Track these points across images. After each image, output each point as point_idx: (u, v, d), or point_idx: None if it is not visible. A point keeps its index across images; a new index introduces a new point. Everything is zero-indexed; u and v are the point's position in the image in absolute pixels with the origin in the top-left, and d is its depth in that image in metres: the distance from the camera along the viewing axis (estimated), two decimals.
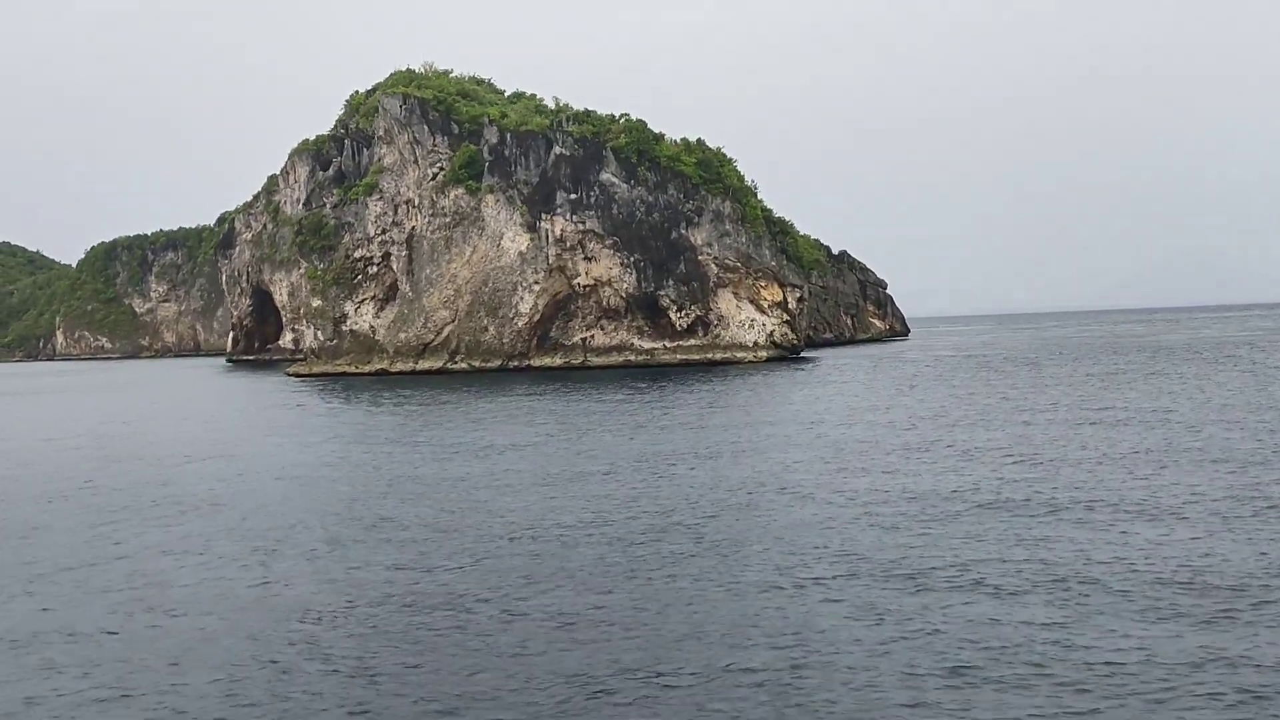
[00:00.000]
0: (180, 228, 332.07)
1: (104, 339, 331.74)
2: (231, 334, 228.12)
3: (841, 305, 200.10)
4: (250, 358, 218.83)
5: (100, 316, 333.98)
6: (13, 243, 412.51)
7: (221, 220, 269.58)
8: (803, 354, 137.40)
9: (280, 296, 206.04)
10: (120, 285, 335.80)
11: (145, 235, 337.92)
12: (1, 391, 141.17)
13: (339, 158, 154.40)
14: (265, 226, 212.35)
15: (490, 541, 29.27)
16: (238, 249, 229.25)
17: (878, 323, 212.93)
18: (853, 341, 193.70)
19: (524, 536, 29.56)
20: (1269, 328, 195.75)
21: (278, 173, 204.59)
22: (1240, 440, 43.00)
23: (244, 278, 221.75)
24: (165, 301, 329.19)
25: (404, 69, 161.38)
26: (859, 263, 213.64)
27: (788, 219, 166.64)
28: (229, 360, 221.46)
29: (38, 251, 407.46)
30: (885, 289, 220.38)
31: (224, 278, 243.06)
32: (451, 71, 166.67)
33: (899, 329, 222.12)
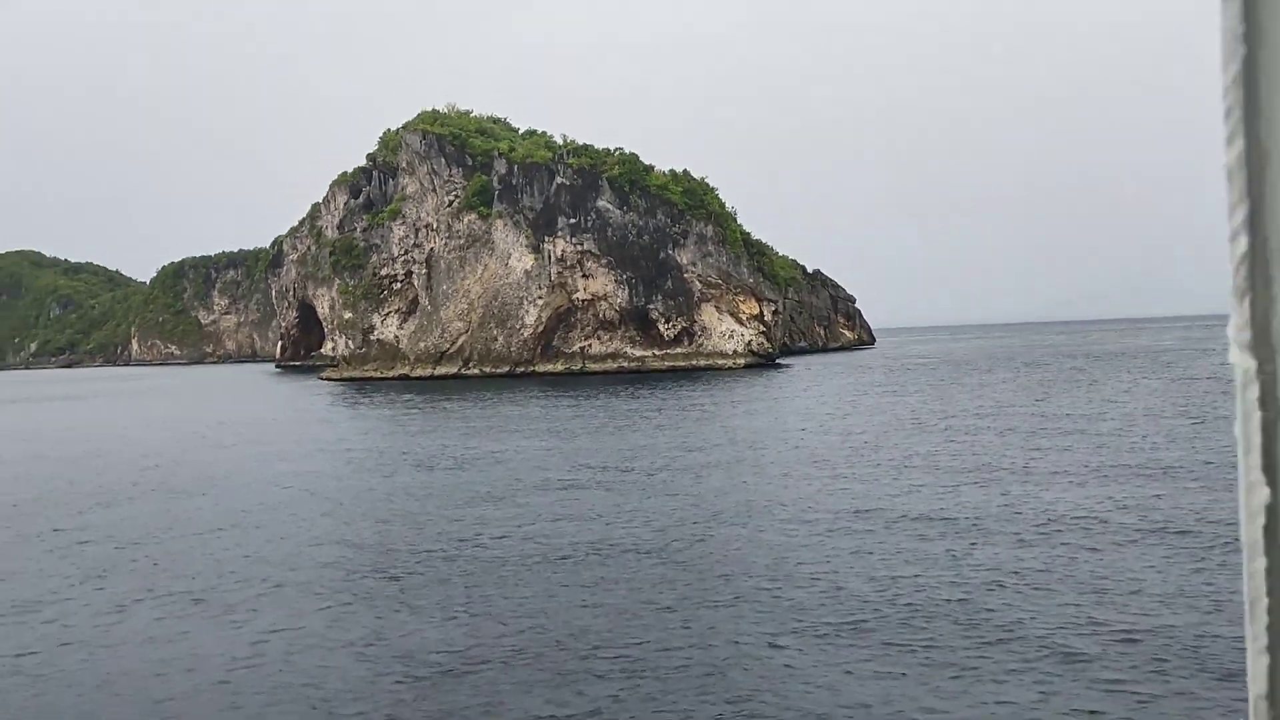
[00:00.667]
0: (240, 249, 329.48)
1: (173, 346, 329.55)
2: (280, 342, 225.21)
3: (815, 317, 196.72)
4: (296, 363, 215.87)
5: (170, 327, 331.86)
6: (95, 263, 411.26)
7: (274, 243, 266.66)
8: (778, 360, 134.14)
9: (322, 309, 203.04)
10: (187, 299, 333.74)
11: (210, 256, 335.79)
12: (81, 394, 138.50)
13: (368, 187, 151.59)
14: (309, 248, 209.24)
15: (405, 557, 25.20)
16: (285, 268, 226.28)
17: (847, 333, 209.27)
18: (825, 349, 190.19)
19: (458, 555, 25.57)
20: (1199, 337, 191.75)
21: (320, 201, 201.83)
22: (1164, 449, 39.78)
23: (291, 293, 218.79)
24: (226, 314, 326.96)
25: (430, 109, 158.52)
26: (831, 280, 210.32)
27: (765, 241, 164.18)
28: (277, 366, 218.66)
29: (117, 270, 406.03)
30: (854, 303, 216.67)
31: (274, 293, 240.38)
32: (471, 111, 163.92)
33: (866, 339, 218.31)
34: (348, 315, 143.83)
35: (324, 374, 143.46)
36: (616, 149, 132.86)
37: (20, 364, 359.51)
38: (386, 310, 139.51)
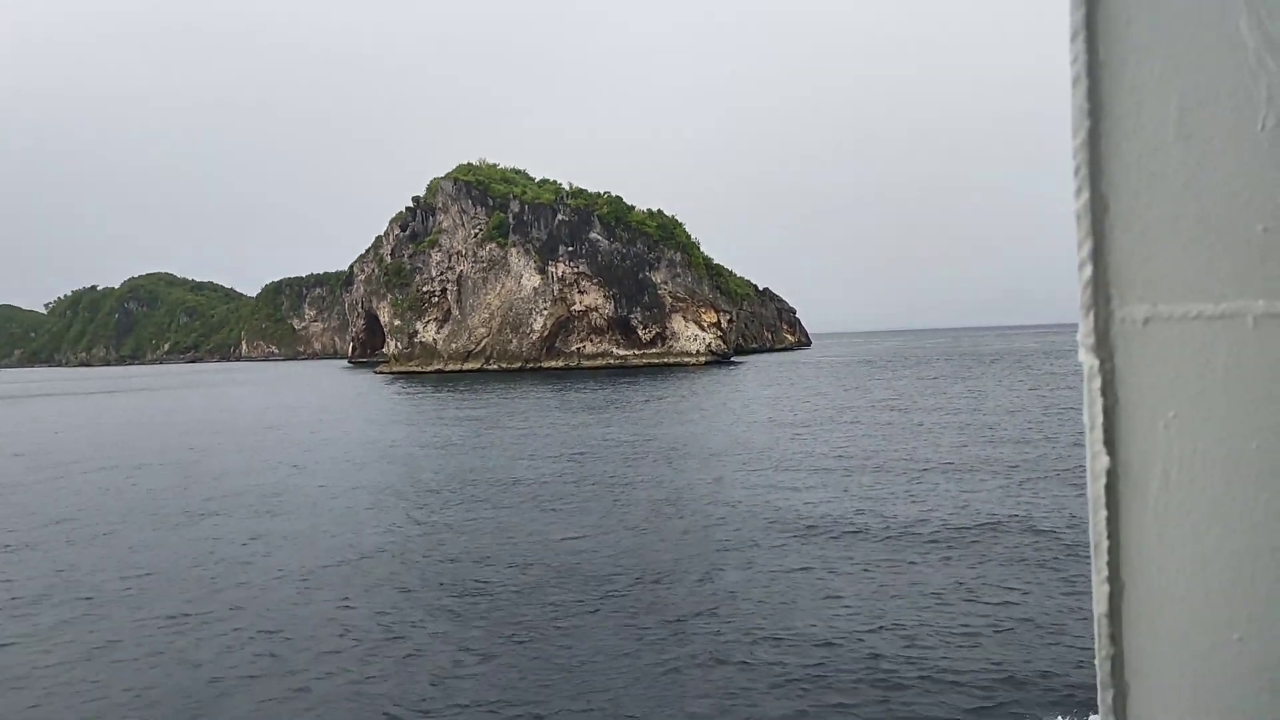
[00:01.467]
0: (325, 272, 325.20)
1: (273, 346, 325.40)
2: (351, 343, 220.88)
3: (764, 325, 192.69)
4: (364, 359, 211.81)
5: (271, 331, 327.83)
6: (215, 281, 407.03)
7: (349, 266, 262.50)
8: (732, 359, 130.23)
9: (384, 318, 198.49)
10: (284, 310, 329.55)
11: (301, 276, 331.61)
12: (204, 383, 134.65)
13: (414, 222, 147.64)
14: (373, 270, 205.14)
15: (294, 553, 19.76)
16: (355, 285, 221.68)
17: (790, 337, 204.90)
18: (772, 350, 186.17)
19: (339, 551, 19.90)
20: (1054, 340, 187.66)
21: (381, 234, 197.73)
22: (1020, 442, 36.15)
23: (360, 305, 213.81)
24: (315, 321, 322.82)
25: (465, 162, 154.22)
26: (777, 295, 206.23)
27: (725, 265, 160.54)
28: (349, 362, 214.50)
29: (231, 288, 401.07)
30: (795, 313, 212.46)
31: (346, 305, 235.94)
32: (498, 164, 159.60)
33: (805, 341, 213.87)
34: (397, 322, 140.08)
35: (378, 368, 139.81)
36: (605, 192, 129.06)
37: (156, 360, 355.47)
38: (427, 319, 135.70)
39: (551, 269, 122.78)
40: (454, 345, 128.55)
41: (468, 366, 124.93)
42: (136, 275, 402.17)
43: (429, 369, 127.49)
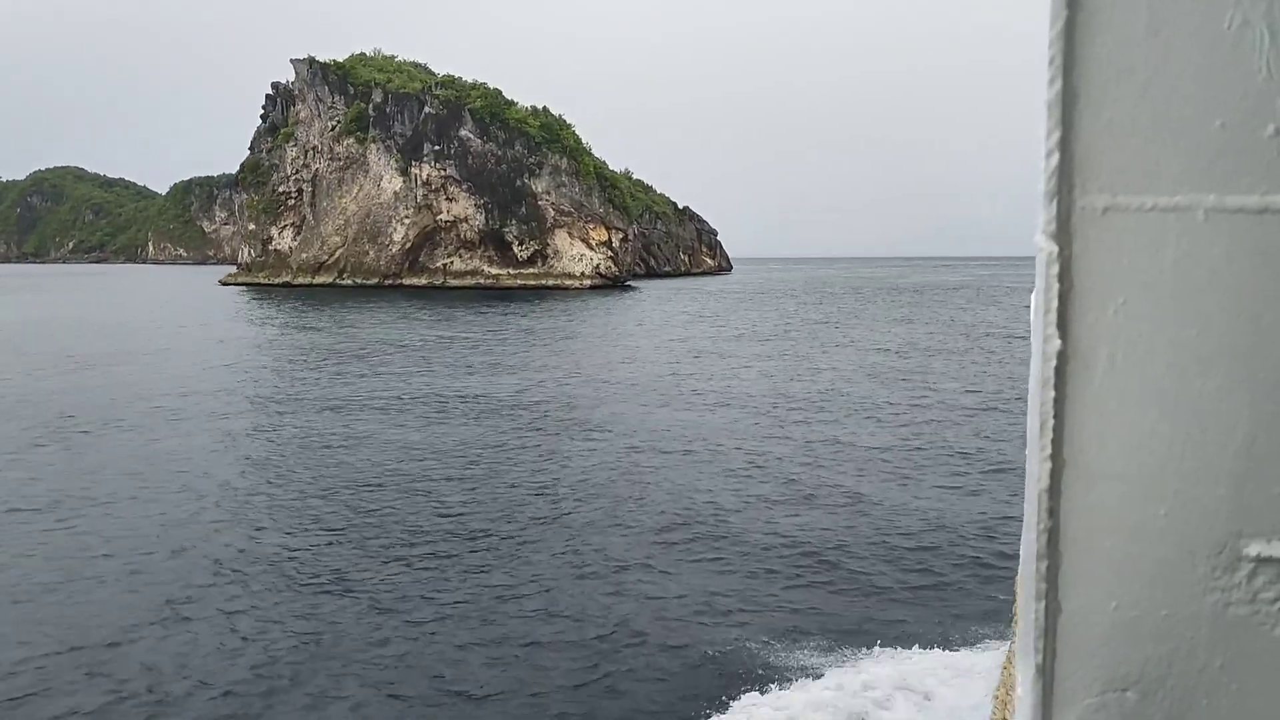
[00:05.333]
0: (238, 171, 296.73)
1: (181, 250, 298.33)
2: (243, 248, 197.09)
3: (681, 247, 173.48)
4: None
5: (179, 233, 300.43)
6: (127, 178, 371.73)
7: (240, 164, 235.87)
8: (628, 283, 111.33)
9: None
10: (194, 211, 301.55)
11: (213, 176, 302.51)
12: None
13: (274, 112, 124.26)
14: None
15: None
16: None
17: (709, 261, 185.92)
18: (687, 274, 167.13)
19: None
20: (985, 274, 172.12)
21: None
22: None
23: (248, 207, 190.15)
24: (225, 224, 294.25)
25: (359, 52, 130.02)
26: (698, 215, 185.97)
27: (646, 180, 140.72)
28: (239, 268, 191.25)
29: (144, 186, 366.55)
30: (716, 235, 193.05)
31: (237, 206, 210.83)
32: (396, 56, 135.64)
33: (725, 266, 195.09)
34: (251, 226, 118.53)
35: (223, 279, 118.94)
36: (480, 83, 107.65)
37: (60, 259, 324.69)
38: (283, 224, 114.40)
39: (415, 171, 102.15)
40: (304, 255, 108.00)
41: (319, 280, 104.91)
42: (43, 168, 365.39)
43: (276, 281, 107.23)
